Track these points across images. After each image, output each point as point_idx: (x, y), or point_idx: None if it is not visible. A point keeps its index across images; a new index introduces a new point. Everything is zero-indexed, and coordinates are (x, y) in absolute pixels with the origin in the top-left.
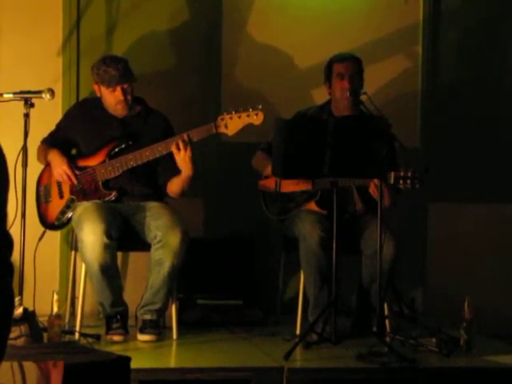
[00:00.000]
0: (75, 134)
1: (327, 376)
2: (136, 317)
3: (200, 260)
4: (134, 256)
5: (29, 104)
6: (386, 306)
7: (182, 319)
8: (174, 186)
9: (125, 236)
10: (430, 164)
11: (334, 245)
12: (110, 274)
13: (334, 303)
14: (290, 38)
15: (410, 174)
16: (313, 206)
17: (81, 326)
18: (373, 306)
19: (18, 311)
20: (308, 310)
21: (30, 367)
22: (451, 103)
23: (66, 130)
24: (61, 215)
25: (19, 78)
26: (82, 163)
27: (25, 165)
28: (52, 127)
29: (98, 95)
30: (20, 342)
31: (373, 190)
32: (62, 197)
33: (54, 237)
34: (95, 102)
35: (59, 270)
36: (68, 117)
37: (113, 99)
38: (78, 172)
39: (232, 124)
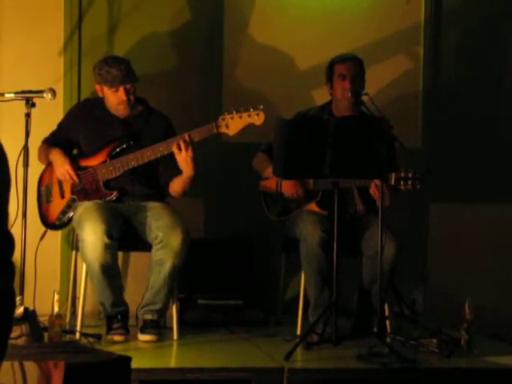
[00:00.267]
0: (76, 133)
1: (328, 376)
2: (137, 317)
3: (201, 260)
4: (134, 256)
5: (30, 104)
6: (386, 306)
7: (183, 319)
8: (176, 186)
9: (126, 236)
10: (431, 164)
11: (335, 246)
12: (111, 274)
13: (334, 304)
14: (291, 39)
15: (410, 175)
16: (313, 206)
17: (81, 325)
18: (373, 307)
19: (19, 311)
20: (308, 310)
21: (30, 367)
22: (452, 103)
23: (67, 130)
24: (62, 215)
25: (20, 77)
26: (83, 163)
27: (26, 164)
28: (53, 127)
29: (100, 95)
30: (21, 341)
31: (373, 190)
32: (63, 196)
33: (55, 237)
34: (97, 102)
35: (60, 270)
36: (69, 117)
37: (115, 99)
38: (79, 172)
39: (233, 124)
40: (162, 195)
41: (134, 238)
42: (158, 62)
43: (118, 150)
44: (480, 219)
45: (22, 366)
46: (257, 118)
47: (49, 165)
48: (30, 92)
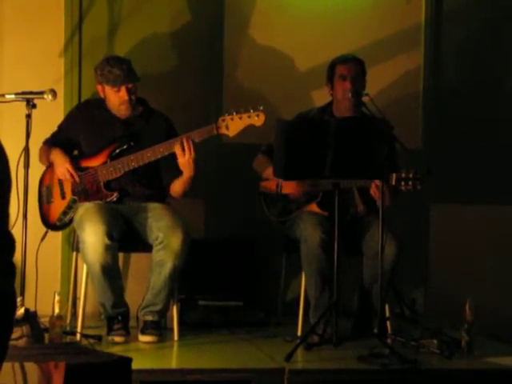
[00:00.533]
0: (77, 134)
1: (328, 377)
2: (137, 318)
3: (201, 261)
4: (135, 257)
5: (31, 105)
6: (387, 307)
7: (183, 320)
8: (177, 187)
9: (126, 237)
10: (431, 165)
11: (336, 246)
12: (112, 275)
13: (335, 305)
14: (292, 40)
15: (411, 176)
16: (314, 207)
17: (82, 326)
18: (374, 308)
19: (20, 312)
20: (309, 311)
21: (31, 368)
22: (453, 104)
23: (67, 131)
24: (63, 216)
25: (21, 78)
26: (83, 164)
27: (27, 165)
28: (54, 128)
29: (102, 96)
30: (21, 342)
31: (374, 190)
32: (63, 197)
33: (56, 237)
34: (97, 103)
35: (61, 271)
36: (70, 118)
37: (117, 99)
38: (79, 173)
39: (233, 125)
40: (162, 196)
41: (135, 238)
42: (159, 63)
43: (118, 150)
44: (480, 220)
45: (22, 367)
46: (257, 119)
47: (50, 166)
48: (31, 93)
